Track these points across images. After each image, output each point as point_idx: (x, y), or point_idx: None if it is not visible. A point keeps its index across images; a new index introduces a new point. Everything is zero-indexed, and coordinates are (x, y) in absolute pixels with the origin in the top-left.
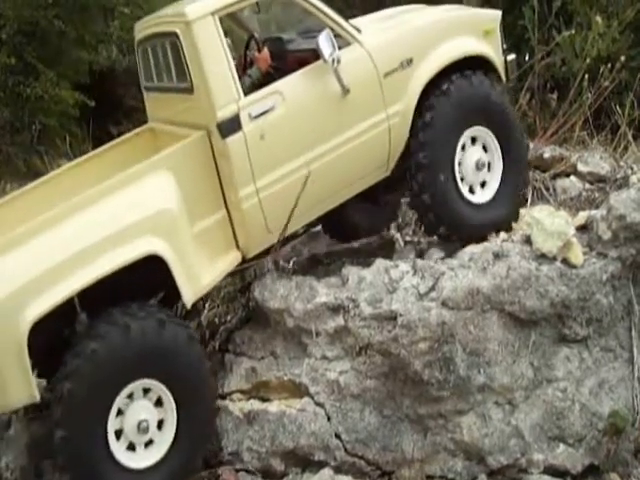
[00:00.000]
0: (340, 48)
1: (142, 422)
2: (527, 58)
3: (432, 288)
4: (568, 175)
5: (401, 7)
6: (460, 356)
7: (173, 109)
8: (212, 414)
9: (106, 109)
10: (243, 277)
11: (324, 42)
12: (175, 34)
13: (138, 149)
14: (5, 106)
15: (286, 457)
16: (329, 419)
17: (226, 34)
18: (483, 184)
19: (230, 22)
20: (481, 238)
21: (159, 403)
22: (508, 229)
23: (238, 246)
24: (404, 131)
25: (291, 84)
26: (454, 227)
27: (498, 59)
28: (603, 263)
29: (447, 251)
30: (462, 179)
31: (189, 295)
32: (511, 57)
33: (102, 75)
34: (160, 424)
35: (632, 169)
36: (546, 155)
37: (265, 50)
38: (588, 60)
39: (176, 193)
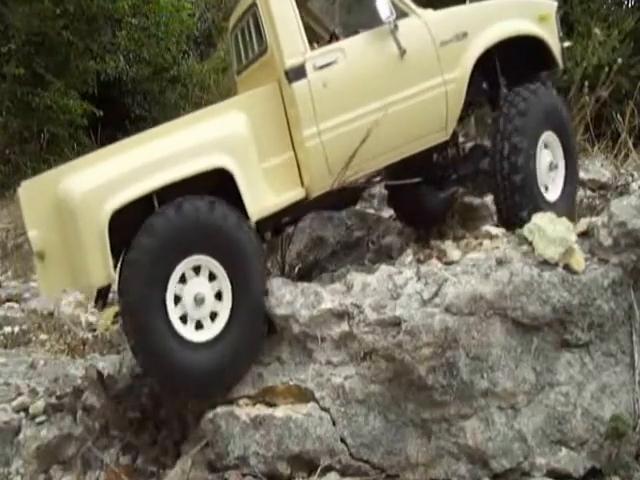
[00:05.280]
0: (399, 18)
1: (198, 295)
2: None
3: (435, 294)
4: None
5: None
6: (463, 361)
7: (255, 78)
8: (262, 292)
9: (113, 118)
10: None
11: (382, 5)
12: (254, 4)
13: None
14: (14, 116)
15: (292, 461)
16: (334, 424)
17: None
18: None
19: (308, 19)
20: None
21: (212, 278)
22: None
23: (303, 184)
24: (459, 98)
25: (353, 43)
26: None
27: (554, 44)
28: (604, 269)
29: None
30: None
31: (252, 209)
32: (567, 44)
33: (109, 85)
34: (218, 295)
35: (632, 176)
36: None
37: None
38: (589, 69)
39: (246, 127)
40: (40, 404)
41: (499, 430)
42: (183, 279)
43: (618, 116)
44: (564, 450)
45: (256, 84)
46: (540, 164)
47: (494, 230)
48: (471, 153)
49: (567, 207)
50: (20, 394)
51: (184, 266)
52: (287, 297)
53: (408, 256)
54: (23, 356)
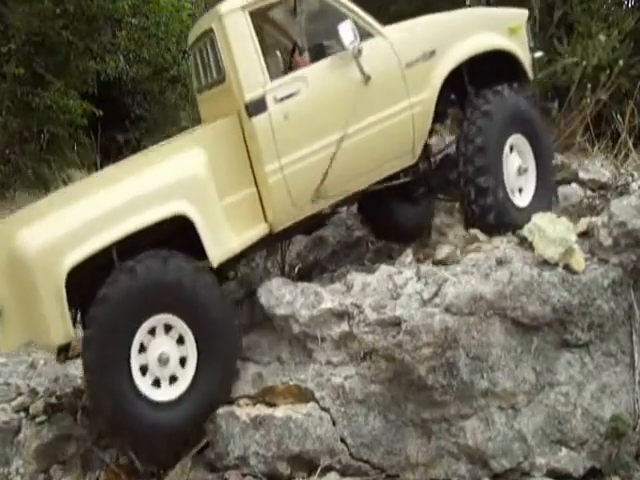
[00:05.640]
0: (363, 40)
1: (163, 354)
2: None
3: (435, 294)
4: (569, 182)
5: None
6: (463, 361)
7: (214, 103)
8: (233, 347)
9: (113, 118)
10: (249, 283)
11: (345, 30)
12: (211, 29)
13: None
14: (14, 116)
15: (292, 461)
16: (334, 424)
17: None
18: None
19: (274, 32)
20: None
21: (181, 341)
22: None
23: (266, 220)
24: (427, 119)
25: (315, 71)
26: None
27: (524, 56)
28: (604, 269)
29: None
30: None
31: (214, 255)
32: (538, 54)
33: (109, 85)
34: (182, 361)
35: (632, 176)
36: None
37: (305, 55)
38: (589, 68)
39: (205, 165)
40: (40, 404)
41: (499, 430)
42: (148, 338)
43: (618, 116)
44: (564, 450)
45: (217, 108)
46: (507, 168)
47: (481, 236)
48: (441, 164)
49: (541, 210)
50: (20, 394)
51: (146, 327)
52: (287, 297)
53: (408, 256)
54: (23, 356)
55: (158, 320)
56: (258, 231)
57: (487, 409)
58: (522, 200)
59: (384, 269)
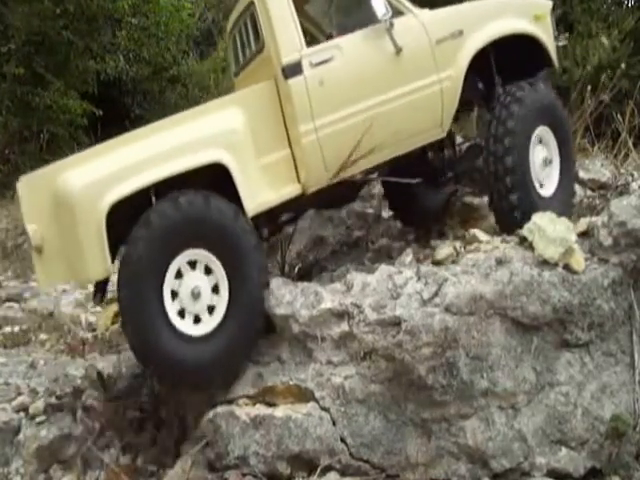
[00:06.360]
0: (395, 17)
1: (195, 289)
2: None
3: (435, 294)
4: None
5: None
6: (463, 361)
7: (252, 77)
8: (261, 285)
9: (113, 118)
10: None
11: (378, 3)
12: (252, 2)
13: None
14: (14, 116)
15: (292, 461)
16: (334, 423)
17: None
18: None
19: (307, 24)
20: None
21: (209, 272)
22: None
23: (299, 181)
24: (455, 95)
25: (349, 41)
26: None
27: (550, 42)
28: (604, 269)
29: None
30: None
31: (249, 204)
32: (562, 43)
33: (109, 84)
34: (215, 289)
35: (632, 176)
36: None
37: None
38: (589, 68)
39: (243, 123)
40: (40, 404)
41: (499, 430)
42: (180, 273)
43: (618, 116)
44: (564, 450)
45: (253, 83)
46: (534, 160)
47: (482, 236)
48: (467, 152)
49: (563, 202)
50: (20, 394)
51: (181, 260)
52: (287, 297)
53: (408, 256)
54: (23, 356)
55: (198, 254)
56: (291, 190)
57: (487, 409)
58: (547, 190)
59: (384, 269)
